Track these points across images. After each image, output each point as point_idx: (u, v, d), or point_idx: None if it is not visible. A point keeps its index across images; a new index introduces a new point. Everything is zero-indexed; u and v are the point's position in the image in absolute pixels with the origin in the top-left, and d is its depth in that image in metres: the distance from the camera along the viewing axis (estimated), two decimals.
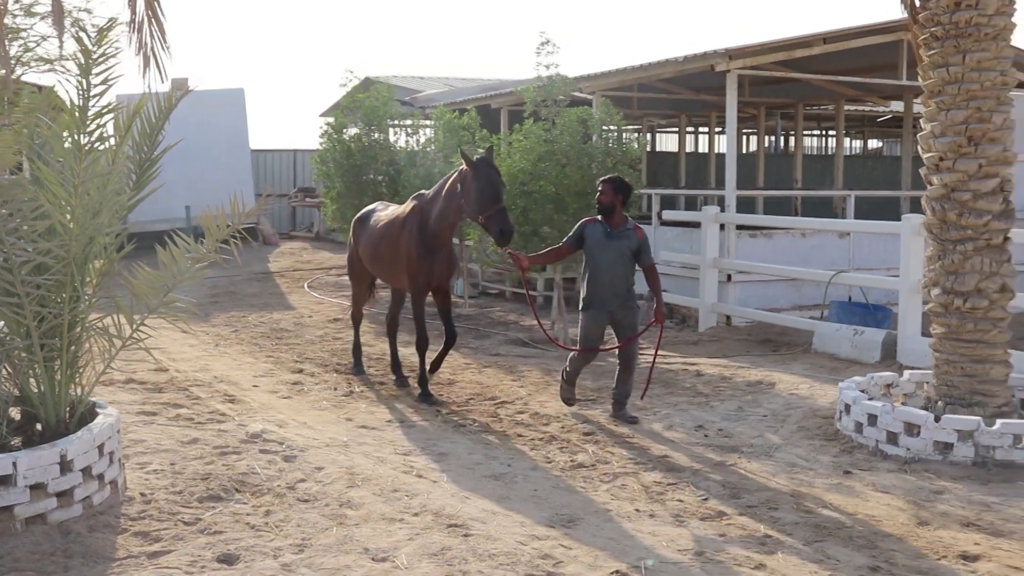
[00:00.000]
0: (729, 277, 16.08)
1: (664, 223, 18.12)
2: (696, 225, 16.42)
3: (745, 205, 21.38)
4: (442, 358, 11.57)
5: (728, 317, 15.96)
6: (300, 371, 12.51)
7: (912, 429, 8.70)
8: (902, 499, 7.63)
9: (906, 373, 10.42)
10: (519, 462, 8.59)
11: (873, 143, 46.11)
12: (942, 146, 9.30)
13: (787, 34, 17.68)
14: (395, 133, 21.72)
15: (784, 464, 8.61)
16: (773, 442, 9.29)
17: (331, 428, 9.61)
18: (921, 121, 9.72)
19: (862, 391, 9.61)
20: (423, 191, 11.65)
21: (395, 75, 31.66)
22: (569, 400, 10.66)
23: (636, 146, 16.16)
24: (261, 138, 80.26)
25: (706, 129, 33.78)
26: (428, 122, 21.34)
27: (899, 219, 13.45)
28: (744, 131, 34.52)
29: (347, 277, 14.02)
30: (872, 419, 9.02)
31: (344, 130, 21.13)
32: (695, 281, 16.20)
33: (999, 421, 8.57)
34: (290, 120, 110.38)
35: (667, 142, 41.01)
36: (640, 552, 6.51)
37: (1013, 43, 9.49)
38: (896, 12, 10.07)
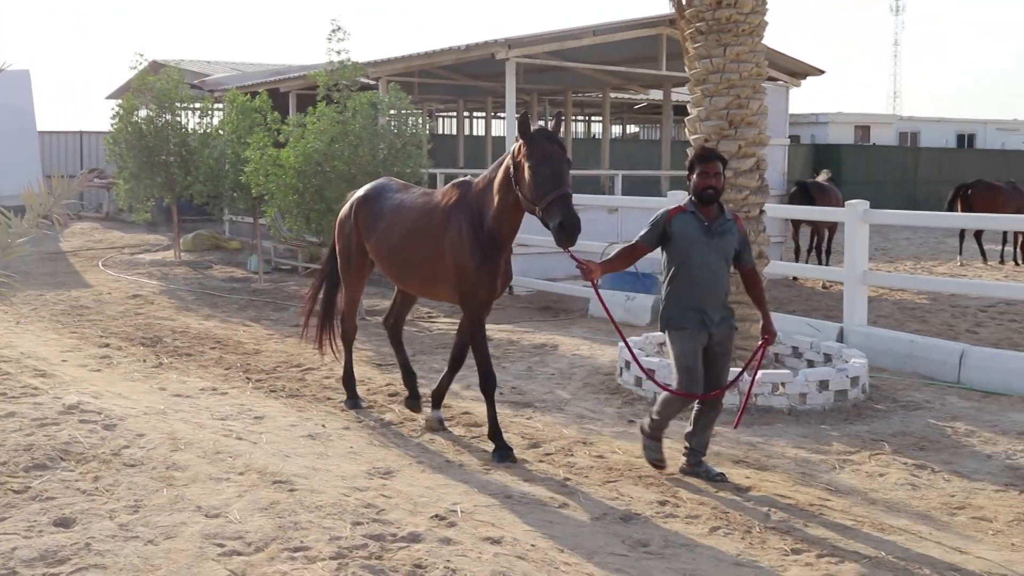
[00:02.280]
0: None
1: None
2: None
3: None
4: (447, 384, 8.76)
5: (511, 287, 16.33)
6: (107, 345, 12.22)
7: None
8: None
9: None
10: (332, 422, 8.70)
11: (632, 128, 47.52)
12: (707, 129, 9.86)
13: (559, 26, 18.09)
14: (186, 116, 21.34)
15: (574, 416, 9.00)
16: (563, 397, 9.69)
17: (147, 397, 9.48)
18: (688, 106, 10.24)
19: (639, 349, 10.07)
20: (466, 178, 8.47)
21: (183, 59, 30.84)
22: (658, 462, 7.44)
23: (423, 128, 16.26)
24: (47, 120, 76.69)
25: (482, 114, 34.20)
26: (220, 105, 20.99)
27: (662, 196, 14.06)
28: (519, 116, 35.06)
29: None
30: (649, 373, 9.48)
31: (135, 112, 20.62)
32: None
33: (760, 372, 9.16)
34: (76, 102, 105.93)
35: (446, 126, 41.30)
36: (454, 497, 6.75)
37: (765, 41, 10.12)
38: (657, 8, 10.63)
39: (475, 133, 38.42)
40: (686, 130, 10.31)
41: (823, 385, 9.17)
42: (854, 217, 11.50)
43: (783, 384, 9.06)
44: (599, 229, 16.92)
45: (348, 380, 9.36)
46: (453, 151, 31.86)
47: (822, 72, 20.99)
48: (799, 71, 20.73)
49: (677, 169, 20.17)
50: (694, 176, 7.24)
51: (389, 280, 9.29)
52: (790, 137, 24.64)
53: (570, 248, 7.24)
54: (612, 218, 17.79)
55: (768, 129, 10.55)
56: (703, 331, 7.18)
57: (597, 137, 38.05)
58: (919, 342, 10.98)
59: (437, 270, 8.17)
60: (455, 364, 8.66)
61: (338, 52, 14.93)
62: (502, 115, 19.37)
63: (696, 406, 7.32)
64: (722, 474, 7.22)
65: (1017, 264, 21.41)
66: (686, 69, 10.30)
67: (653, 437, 7.43)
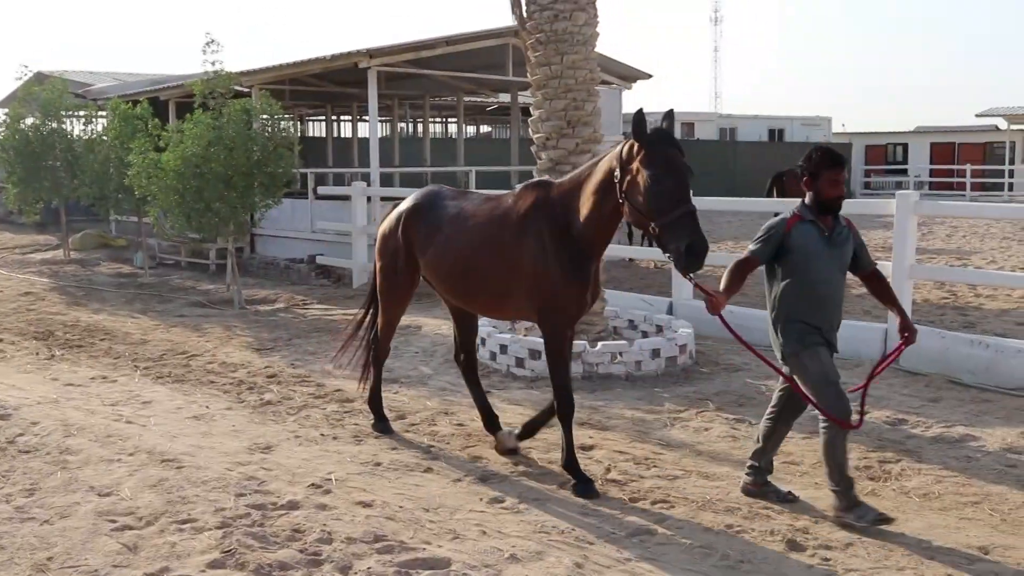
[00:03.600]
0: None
1: (319, 197, 18.24)
2: (347, 198, 16.60)
3: (386, 180, 21.73)
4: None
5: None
6: (0, 340, 11.78)
7: (535, 354, 9.33)
8: (531, 409, 8.14)
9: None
10: (216, 404, 8.56)
11: (485, 128, 47.59)
12: (548, 128, 9.96)
13: (416, 37, 18.04)
14: (71, 123, 20.74)
15: (436, 389, 9.03)
16: (426, 373, 9.70)
17: (39, 387, 9.18)
18: (531, 108, 10.33)
19: (494, 327, 10.16)
20: (544, 178, 7.17)
21: (67, 70, 29.83)
22: (872, 516, 5.60)
23: (292, 132, 16.09)
24: None
25: (349, 117, 33.85)
26: (103, 113, 20.37)
27: (512, 188, 14.13)
28: (381, 119, 34.82)
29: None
30: (503, 348, 9.60)
31: (22, 120, 20.00)
32: (348, 246, 16.38)
33: (600, 344, 9.35)
34: None
35: (316, 129, 40.76)
36: (329, 467, 6.72)
37: (599, 50, 10.27)
38: (504, 20, 10.64)
39: (343, 135, 38.00)
40: (530, 130, 10.40)
41: (655, 353, 9.38)
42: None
43: (620, 353, 9.23)
44: None
45: (376, 403, 7.78)
46: (322, 152, 31.48)
47: (650, 76, 21.39)
48: (630, 76, 21.10)
49: (525, 164, 20.30)
50: (819, 183, 5.72)
51: (447, 300, 7.44)
52: (624, 134, 25.00)
53: (698, 283, 5.93)
54: None
55: (604, 128, 10.72)
56: (831, 350, 5.83)
57: (453, 137, 38.02)
58: (737, 312, 11.23)
59: (511, 285, 6.54)
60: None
61: (212, 63, 14.61)
62: (367, 118, 19.20)
63: (768, 421, 6.15)
64: (791, 492, 6.06)
65: None
66: (529, 75, 10.39)
67: (846, 487, 5.68)
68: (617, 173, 5.83)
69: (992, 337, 9.80)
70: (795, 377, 5.82)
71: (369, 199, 16.45)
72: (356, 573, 5.02)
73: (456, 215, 6.94)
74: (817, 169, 5.72)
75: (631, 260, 18.08)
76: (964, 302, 13.45)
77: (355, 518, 5.75)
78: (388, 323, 7.75)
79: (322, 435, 7.57)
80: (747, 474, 6.14)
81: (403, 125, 37.00)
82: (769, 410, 6.22)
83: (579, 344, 9.21)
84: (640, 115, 5.68)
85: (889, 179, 44.85)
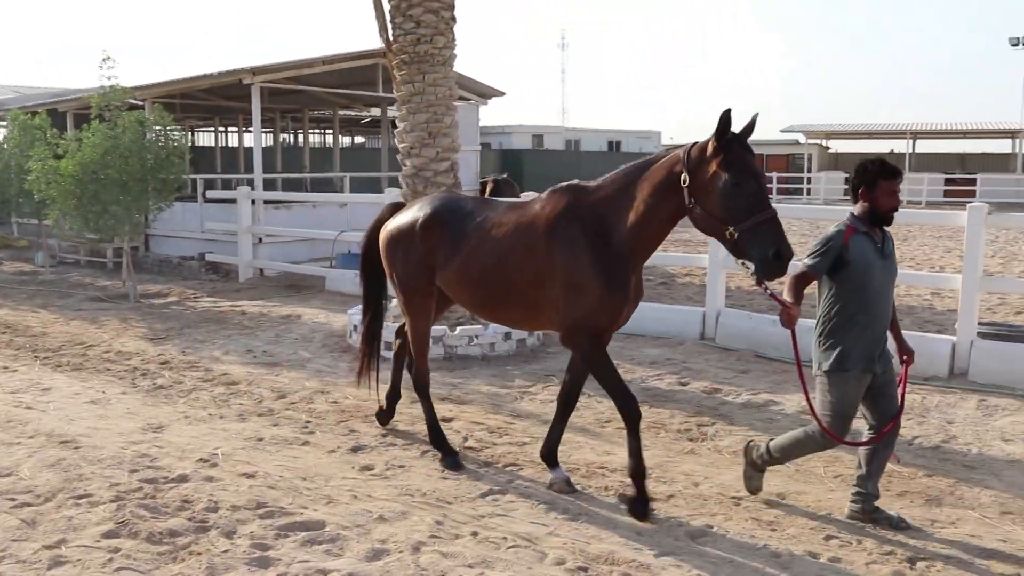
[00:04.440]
0: (260, 240, 16.07)
1: (208, 200, 17.80)
2: (234, 201, 16.23)
3: (269, 185, 21.33)
4: (559, 434, 5.91)
5: (262, 270, 15.94)
6: None
7: None
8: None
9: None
10: (111, 389, 8.25)
11: (359, 139, 47.06)
12: (412, 139, 9.92)
13: (296, 56, 17.72)
14: None
15: (314, 371, 8.91)
16: (305, 356, 9.56)
17: None
18: (396, 121, 10.26)
19: None
20: (575, 182, 5.62)
21: None
22: (758, 491, 5.55)
23: (183, 142, 15.63)
24: None
25: (235, 129, 33.07)
26: (3, 123, 19.37)
27: (382, 193, 14.09)
28: (265, 130, 34.10)
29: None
30: None
31: None
32: (235, 244, 16.01)
33: (458, 328, 9.37)
34: None
35: (205, 139, 39.67)
36: (216, 443, 6.57)
37: (457, 69, 10.27)
38: (375, 43, 10.51)
39: (230, 145, 37.11)
40: (395, 140, 10.34)
41: (507, 335, 9.44)
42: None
43: (476, 336, 9.28)
44: (332, 221, 16.83)
45: (437, 435, 6.29)
46: (211, 160, 30.70)
47: (504, 93, 21.52)
48: (486, 92, 21.18)
49: (394, 171, 20.20)
50: (875, 194, 5.01)
51: (474, 313, 6.36)
52: (482, 144, 25.10)
53: (773, 292, 5.03)
54: (343, 211, 17.67)
55: (462, 138, 10.72)
56: (869, 373, 5.06)
57: (330, 147, 37.54)
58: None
59: (541, 297, 5.46)
60: (565, 409, 5.88)
61: (108, 78, 14.07)
62: (251, 130, 18.79)
63: (866, 448, 5.23)
64: (902, 518, 5.14)
65: None
66: (395, 92, 10.32)
67: (759, 469, 5.50)
68: (686, 177, 4.89)
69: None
70: (819, 389, 5.16)
71: (253, 202, 16.13)
72: (240, 537, 4.94)
73: (480, 224, 5.80)
74: (874, 180, 5.00)
75: None
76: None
77: (239, 488, 5.64)
78: (420, 336, 6.37)
79: (210, 415, 7.38)
80: (853, 501, 5.24)
81: (284, 136, 36.29)
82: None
83: (439, 329, 9.24)
84: (727, 116, 4.73)
85: None
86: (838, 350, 5.01)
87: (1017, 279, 14.44)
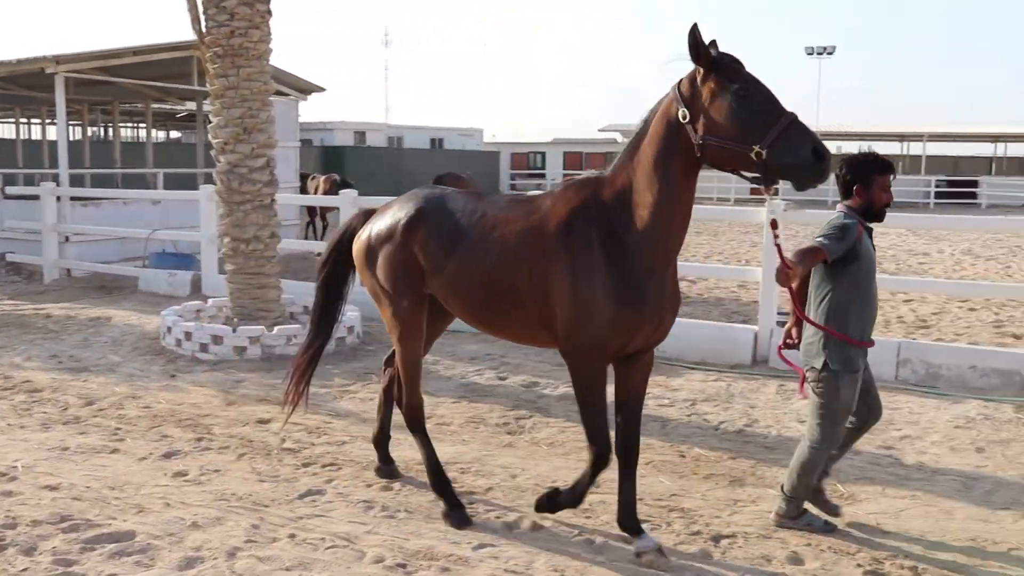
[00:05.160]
0: (67, 238, 15.19)
1: (8, 197, 16.73)
2: (37, 198, 15.30)
3: (77, 181, 20.24)
4: (632, 491, 4.84)
5: (69, 270, 15.10)
6: None
7: (217, 340, 9.02)
8: (215, 389, 7.91)
9: (210, 301, 10.67)
10: None
11: (175, 134, 45.29)
12: (226, 134, 9.62)
13: (106, 46, 16.85)
14: None
15: (125, 375, 8.50)
16: (115, 360, 9.11)
17: None
18: (210, 116, 9.94)
19: (179, 316, 9.72)
20: (589, 174, 4.71)
21: None
22: (829, 526, 5.06)
23: None
24: None
25: (39, 120, 31.19)
26: None
27: (197, 189, 13.64)
28: (72, 123, 32.32)
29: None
30: (188, 335, 9.20)
31: None
32: (39, 243, 15.08)
33: (276, 328, 9.17)
34: None
35: (5, 131, 37.27)
36: (16, 455, 6.17)
37: (277, 64, 10.04)
38: (190, 34, 10.13)
39: (33, 138, 34.98)
40: (210, 136, 10.01)
41: None
42: (347, 203, 11.65)
43: (295, 336, 9.09)
44: (145, 219, 16.13)
45: (441, 482, 5.31)
46: (12, 153, 28.83)
47: (324, 89, 21.14)
48: (306, 88, 20.75)
49: (210, 167, 19.56)
50: (871, 190, 4.79)
51: (472, 326, 5.31)
52: (302, 141, 24.64)
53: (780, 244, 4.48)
54: (156, 209, 16.91)
55: (281, 134, 10.50)
56: (862, 367, 4.89)
57: (143, 141, 35.99)
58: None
59: (552, 310, 4.57)
60: (628, 459, 4.81)
61: None
62: (56, 122, 17.74)
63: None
64: (827, 521, 5.10)
65: None
66: (208, 85, 9.99)
67: (801, 504, 5.04)
68: (684, 112, 4.19)
69: None
70: (818, 391, 4.87)
71: (59, 199, 15.22)
72: (41, 553, 4.66)
73: (479, 222, 4.91)
74: (869, 174, 4.78)
75: (319, 255, 17.83)
76: None
77: (41, 501, 5.33)
78: (410, 359, 5.29)
79: (8, 425, 6.92)
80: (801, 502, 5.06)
81: (94, 129, 34.52)
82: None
83: (257, 329, 9.03)
84: (696, 30, 4.10)
85: (531, 182, 46.89)
86: (840, 352, 4.77)
87: None
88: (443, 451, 6.24)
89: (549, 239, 4.57)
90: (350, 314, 9.74)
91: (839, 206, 4.93)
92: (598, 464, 4.66)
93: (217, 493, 5.50)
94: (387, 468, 5.83)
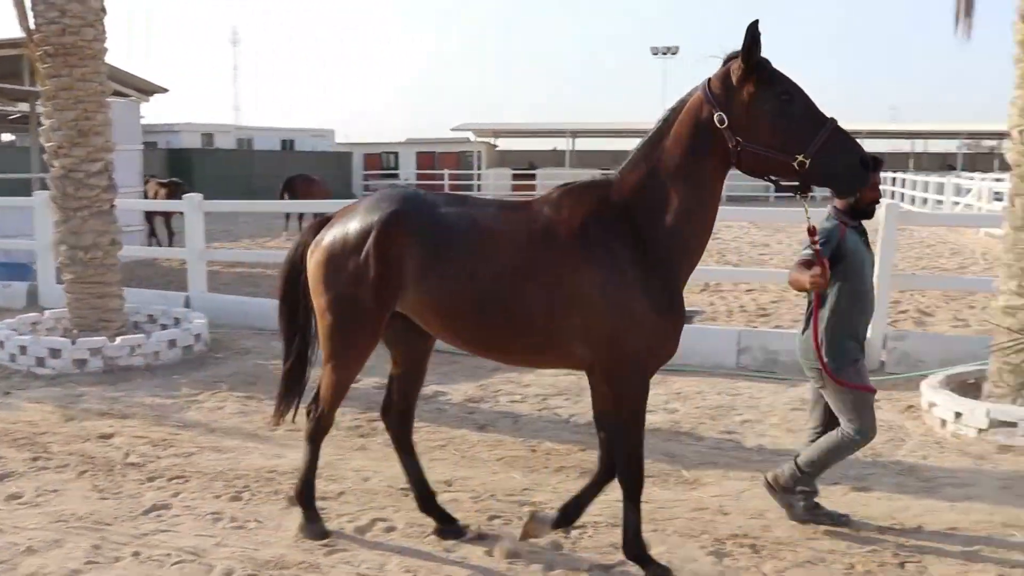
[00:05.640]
0: None
1: None
2: None
3: None
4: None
5: None
6: None
7: (56, 353, 8.60)
8: (53, 405, 7.53)
9: (47, 313, 10.16)
10: None
11: (8, 136, 42.93)
12: (60, 137, 9.19)
13: None
14: None
15: None
16: None
17: None
18: (42, 118, 9.46)
19: (13, 330, 9.22)
20: (595, 177, 4.50)
21: None
22: (804, 512, 5.12)
23: None
24: None
25: None
26: None
27: (31, 195, 12.98)
28: None
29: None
30: (23, 349, 8.73)
31: None
32: None
33: (119, 338, 8.82)
34: None
35: None
36: None
37: (117, 64, 9.62)
38: (17, 31, 9.61)
39: None
40: (42, 139, 9.53)
41: (172, 343, 9.00)
42: (191, 207, 11.31)
43: (139, 346, 8.76)
44: None
45: (308, 495, 4.93)
46: None
47: (167, 90, 20.57)
48: (148, 89, 20.12)
49: (47, 171, 18.64)
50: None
51: (458, 348, 4.71)
52: (146, 143, 23.78)
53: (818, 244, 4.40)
54: None
55: (121, 137, 10.14)
56: (862, 357, 4.93)
57: None
58: (248, 301, 11.18)
59: (564, 326, 4.16)
60: (605, 477, 4.58)
61: None
62: None
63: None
64: (842, 514, 5.16)
65: None
66: (40, 86, 9.51)
67: (794, 490, 5.11)
68: (721, 116, 3.94)
69: None
70: (826, 390, 4.91)
71: None
72: None
73: (471, 229, 4.32)
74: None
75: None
76: None
77: None
78: (338, 384, 4.77)
79: None
80: (802, 502, 5.14)
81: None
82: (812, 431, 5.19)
83: (98, 340, 8.66)
84: (757, 28, 3.82)
85: (384, 183, 46.52)
86: (841, 349, 4.81)
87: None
88: (296, 457, 6.13)
89: (562, 248, 4.15)
90: (197, 322, 9.47)
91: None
92: (638, 491, 4.37)
93: (55, 515, 5.24)
94: (450, 528, 4.93)
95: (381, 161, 49.34)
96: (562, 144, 54.06)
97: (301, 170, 26.19)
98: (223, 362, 8.98)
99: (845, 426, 4.91)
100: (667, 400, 7.63)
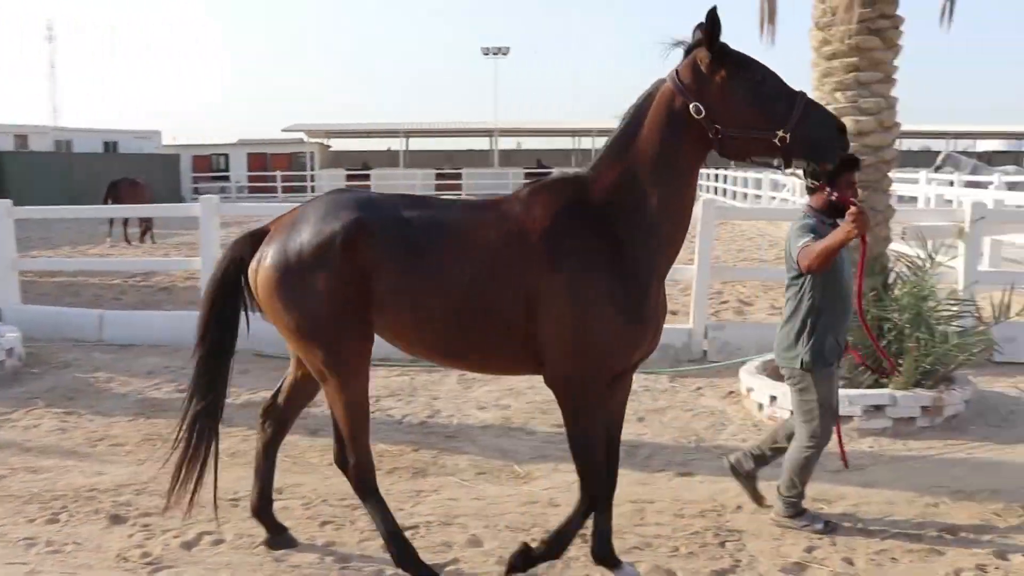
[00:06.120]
0: None
1: None
2: None
3: None
4: (609, 521, 4.47)
5: None
6: None
7: None
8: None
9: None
10: None
11: None
12: None
13: None
14: None
15: None
16: None
17: None
18: None
19: None
20: (570, 172, 4.25)
21: None
22: (829, 525, 5.01)
23: None
24: None
25: None
26: None
27: None
28: None
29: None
30: None
31: None
32: None
33: None
34: None
35: None
36: None
37: None
38: None
39: None
40: None
41: None
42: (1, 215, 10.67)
43: None
44: None
45: (404, 550, 4.34)
46: None
47: None
48: None
49: None
50: (838, 186, 4.68)
51: (421, 358, 4.46)
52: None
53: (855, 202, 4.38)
54: None
55: None
56: (837, 366, 4.94)
57: None
58: (67, 312, 10.60)
59: (537, 334, 3.95)
60: (609, 492, 4.48)
61: None
62: None
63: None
64: (828, 520, 5.08)
65: (143, 243, 20.79)
66: None
67: (799, 502, 5.04)
68: (697, 107, 3.85)
69: None
70: (795, 388, 4.92)
71: None
72: None
73: (440, 234, 4.07)
74: (834, 171, 4.60)
75: None
76: None
77: None
78: (356, 406, 4.21)
79: None
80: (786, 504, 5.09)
81: None
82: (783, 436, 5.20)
83: None
84: (715, 13, 3.78)
85: (214, 185, 45.11)
86: (821, 345, 4.79)
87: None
88: (118, 473, 5.92)
89: (534, 250, 3.95)
90: (9, 335, 8.91)
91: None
92: (592, 506, 4.24)
93: None
94: (280, 538, 4.75)
95: (211, 163, 47.89)
96: (396, 144, 53.92)
97: (126, 173, 25.05)
98: (39, 377, 8.48)
99: (798, 431, 4.96)
100: (499, 397, 7.71)
